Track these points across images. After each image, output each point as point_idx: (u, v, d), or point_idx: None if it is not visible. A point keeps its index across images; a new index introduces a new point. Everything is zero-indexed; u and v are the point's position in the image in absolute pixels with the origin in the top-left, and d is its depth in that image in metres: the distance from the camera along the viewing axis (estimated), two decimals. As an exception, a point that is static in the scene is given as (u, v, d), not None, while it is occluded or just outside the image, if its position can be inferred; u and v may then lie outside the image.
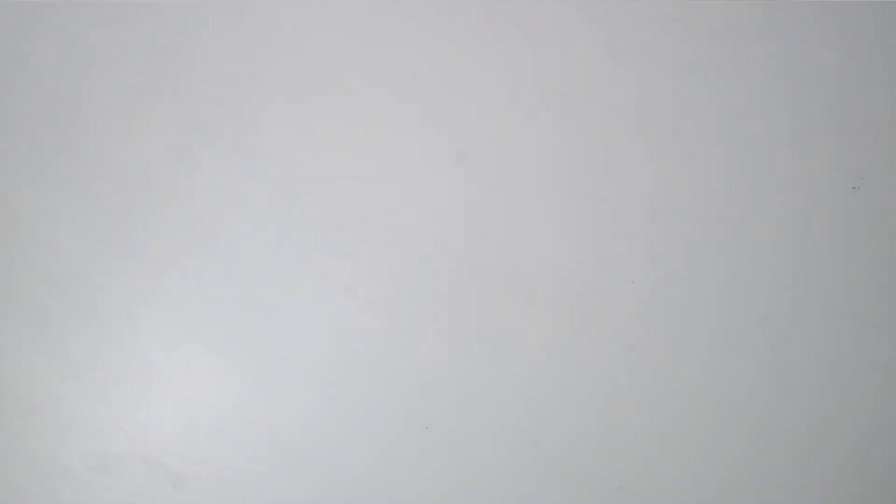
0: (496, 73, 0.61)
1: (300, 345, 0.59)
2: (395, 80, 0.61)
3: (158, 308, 0.59)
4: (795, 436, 0.60)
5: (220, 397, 0.59)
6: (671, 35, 0.61)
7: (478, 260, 0.60)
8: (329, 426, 0.59)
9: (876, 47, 0.61)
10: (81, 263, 0.59)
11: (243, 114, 0.60)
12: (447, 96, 0.61)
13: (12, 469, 0.58)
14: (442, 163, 0.60)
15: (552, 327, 0.60)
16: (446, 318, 0.60)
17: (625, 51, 0.61)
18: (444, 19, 0.61)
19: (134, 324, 0.59)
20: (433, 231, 0.60)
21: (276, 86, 0.60)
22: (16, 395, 0.58)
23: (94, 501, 0.58)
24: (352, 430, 0.59)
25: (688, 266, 0.60)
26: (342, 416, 0.59)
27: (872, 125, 0.61)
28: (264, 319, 0.60)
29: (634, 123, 0.61)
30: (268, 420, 0.59)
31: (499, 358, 0.60)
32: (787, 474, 0.60)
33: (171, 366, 0.59)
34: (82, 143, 0.60)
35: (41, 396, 0.58)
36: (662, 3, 0.61)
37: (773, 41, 0.61)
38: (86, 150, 0.60)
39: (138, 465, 0.58)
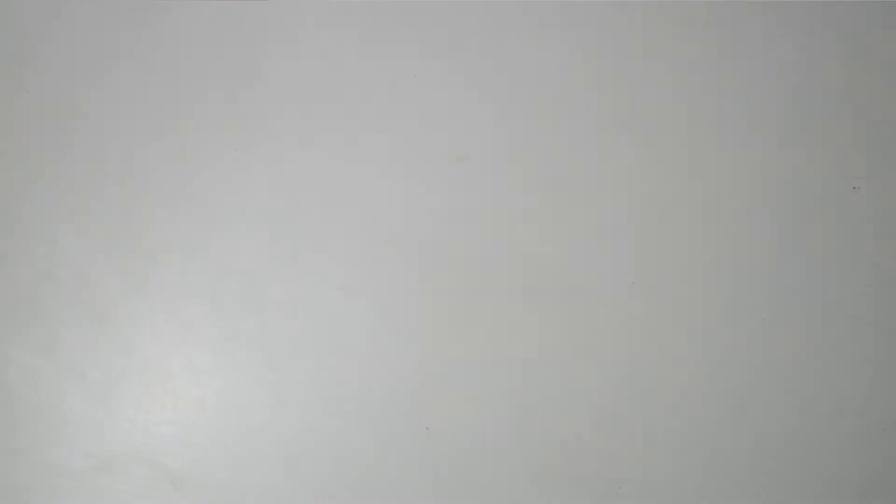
0: (496, 73, 0.61)
1: (300, 345, 0.59)
2: (395, 80, 0.61)
3: (159, 308, 0.59)
4: (795, 435, 0.60)
5: (220, 397, 0.59)
6: (672, 36, 0.61)
7: (478, 260, 0.60)
8: (329, 426, 0.59)
9: (876, 48, 0.61)
10: (82, 263, 0.59)
11: (243, 114, 0.60)
12: (447, 96, 0.61)
13: (12, 468, 0.58)
14: (442, 163, 0.60)
15: (552, 327, 0.60)
16: (446, 318, 0.60)
17: (626, 52, 0.61)
18: (444, 19, 0.61)
19: (134, 323, 0.59)
20: (434, 231, 0.60)
21: (275, 86, 0.60)
22: (16, 395, 0.58)
23: (94, 501, 0.58)
24: (352, 429, 0.59)
25: (688, 266, 0.60)
26: (342, 415, 0.59)
27: (872, 125, 0.61)
28: (264, 319, 0.60)
29: (636, 123, 0.61)
30: (268, 420, 0.59)
31: (499, 358, 0.60)
32: (787, 473, 0.60)
33: (172, 365, 0.59)
34: (82, 143, 0.60)
35: (41, 396, 0.58)
36: (663, 3, 0.61)
37: (774, 42, 0.61)
38: (86, 150, 0.60)
39: (138, 465, 0.58)
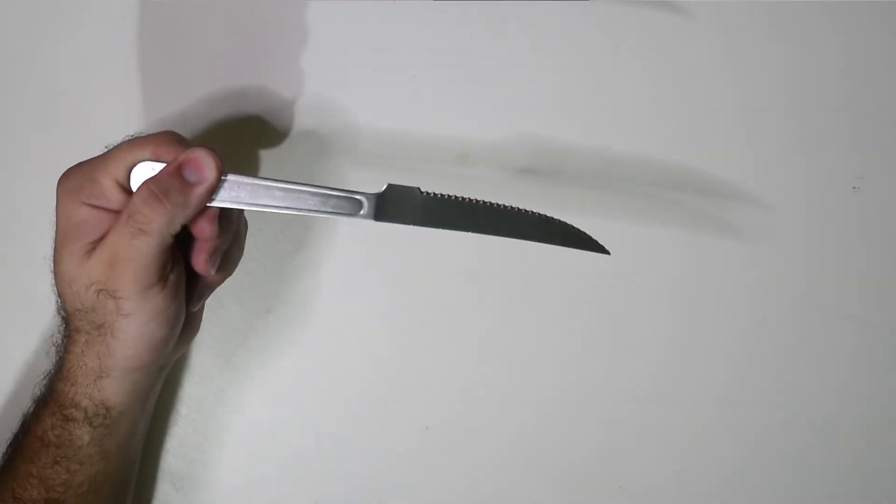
0: (497, 72, 0.61)
1: (300, 344, 0.59)
2: (395, 80, 0.61)
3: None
4: (795, 436, 0.60)
5: (220, 396, 0.59)
6: (671, 36, 0.61)
7: (478, 259, 0.60)
8: (329, 426, 0.59)
9: (876, 47, 0.61)
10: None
11: (242, 112, 0.60)
12: (447, 96, 0.61)
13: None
14: (442, 163, 0.60)
15: (552, 327, 0.60)
16: (446, 317, 0.60)
17: (627, 50, 0.61)
18: (444, 19, 0.61)
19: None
20: (433, 231, 0.60)
21: (274, 85, 0.60)
22: (16, 395, 0.58)
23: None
24: (352, 429, 0.59)
25: (687, 266, 0.60)
26: (342, 415, 0.59)
27: (872, 125, 0.61)
28: (263, 319, 0.60)
29: (636, 122, 0.61)
30: (268, 419, 0.59)
31: (499, 357, 0.60)
32: (787, 474, 0.60)
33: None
34: (82, 143, 0.60)
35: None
36: (662, 3, 0.61)
37: (774, 42, 0.61)
38: (86, 150, 0.60)
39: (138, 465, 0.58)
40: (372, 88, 0.60)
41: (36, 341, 0.59)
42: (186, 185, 0.43)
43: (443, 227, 0.45)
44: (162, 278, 0.44)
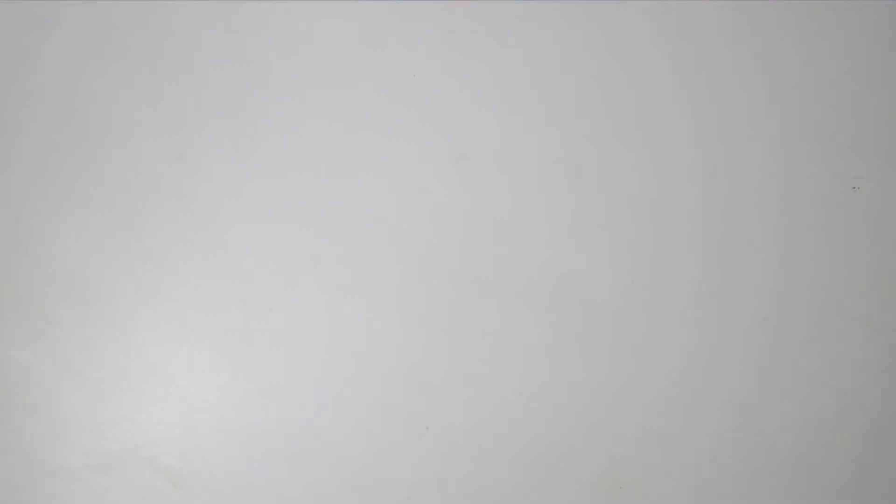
0: (495, 73, 0.61)
1: (300, 344, 0.59)
2: (395, 80, 0.61)
3: (159, 308, 0.59)
4: (794, 436, 0.60)
5: (220, 397, 0.59)
6: (670, 36, 0.61)
7: (476, 260, 0.60)
8: (329, 426, 0.59)
9: (876, 47, 0.61)
10: (81, 263, 0.59)
11: (243, 113, 0.60)
12: (447, 96, 0.61)
13: (12, 469, 0.58)
14: (441, 163, 0.60)
15: (551, 327, 0.60)
16: (445, 317, 0.60)
17: (625, 51, 0.61)
18: (443, 19, 0.61)
19: (134, 324, 0.59)
20: (432, 231, 0.60)
21: (275, 85, 0.60)
22: (15, 395, 0.58)
23: (94, 501, 0.58)
24: (352, 430, 0.59)
25: (687, 266, 0.60)
26: (342, 415, 0.59)
27: (872, 125, 0.61)
28: (264, 319, 0.59)
29: (636, 123, 0.61)
30: (268, 420, 0.59)
31: (499, 357, 0.60)
32: (786, 475, 0.60)
33: (171, 366, 0.59)
34: (82, 143, 0.60)
35: (41, 396, 0.58)
36: (663, 3, 0.61)
37: (773, 40, 0.61)
38: (86, 150, 0.60)
39: (138, 465, 0.58)
40: (372, 88, 0.60)
41: (36, 341, 0.59)
42: None
43: None
44: None
